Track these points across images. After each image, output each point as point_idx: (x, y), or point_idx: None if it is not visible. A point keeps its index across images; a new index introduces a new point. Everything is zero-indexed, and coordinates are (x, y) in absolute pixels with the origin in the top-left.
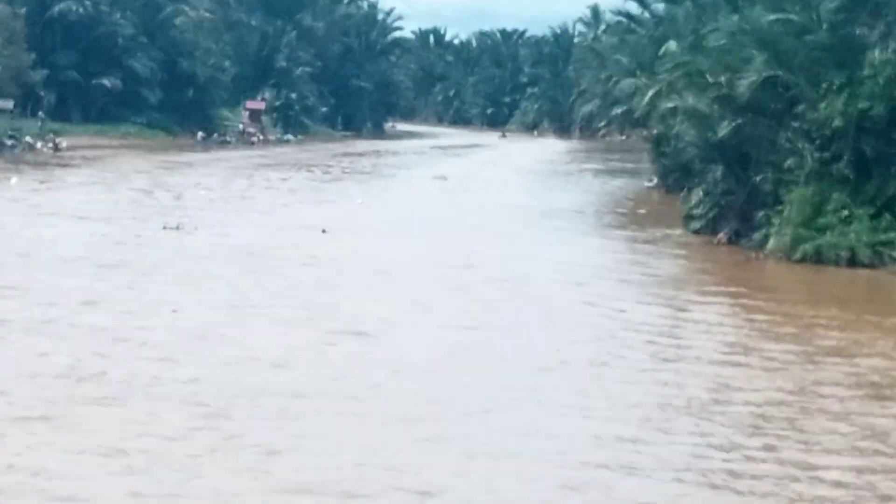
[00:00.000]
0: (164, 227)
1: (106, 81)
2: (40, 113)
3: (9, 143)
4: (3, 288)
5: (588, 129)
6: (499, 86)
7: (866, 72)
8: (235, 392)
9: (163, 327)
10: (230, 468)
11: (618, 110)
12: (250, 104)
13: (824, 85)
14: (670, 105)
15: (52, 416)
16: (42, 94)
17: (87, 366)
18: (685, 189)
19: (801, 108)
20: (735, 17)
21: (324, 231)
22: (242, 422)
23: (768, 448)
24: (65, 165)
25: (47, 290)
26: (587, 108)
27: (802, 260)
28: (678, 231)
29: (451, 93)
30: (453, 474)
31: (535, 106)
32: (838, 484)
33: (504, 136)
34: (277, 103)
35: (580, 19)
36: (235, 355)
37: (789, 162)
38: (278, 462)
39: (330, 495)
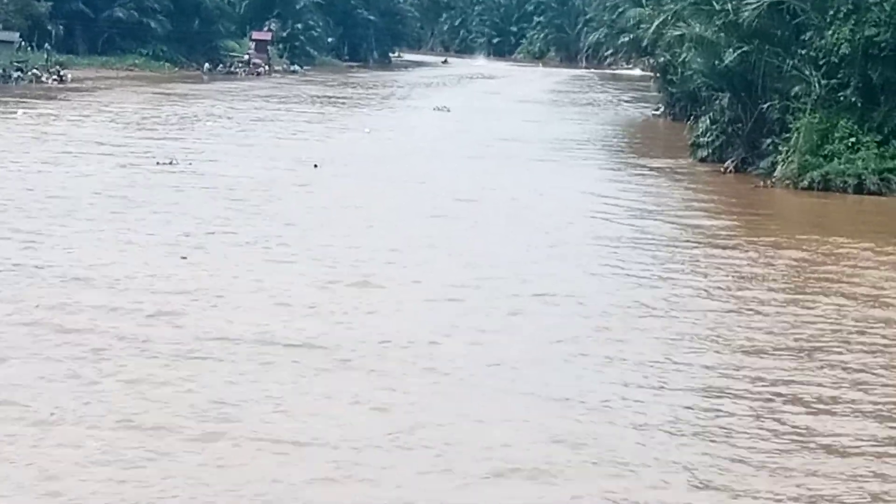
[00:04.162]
0: (158, 163)
1: (118, 13)
2: (46, 45)
3: (15, 75)
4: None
5: (595, 57)
6: (505, 15)
7: None
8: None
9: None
10: None
11: (625, 39)
12: (256, 35)
13: (831, 12)
14: (677, 33)
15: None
16: (49, 26)
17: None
18: (692, 117)
19: (807, 34)
20: None
21: (315, 166)
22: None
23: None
24: (69, 98)
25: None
26: (594, 37)
27: (810, 187)
28: (685, 159)
29: (457, 22)
30: None
31: (542, 35)
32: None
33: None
34: (283, 34)
35: None
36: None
37: (796, 89)
38: None
39: None
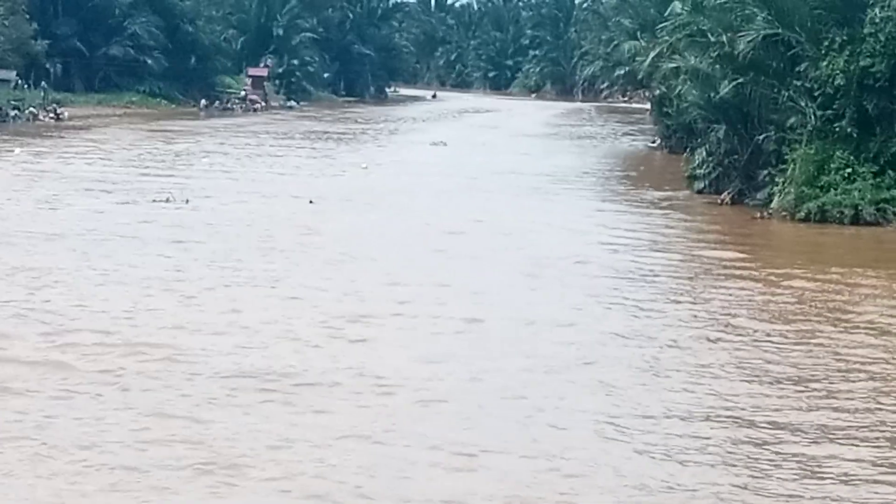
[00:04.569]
0: (154, 201)
1: (115, 51)
2: (43, 83)
3: (12, 113)
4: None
5: (590, 90)
6: (501, 49)
7: (867, 29)
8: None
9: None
10: None
11: (620, 72)
12: (253, 71)
13: (826, 43)
14: (672, 65)
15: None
16: (47, 65)
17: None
18: (688, 149)
19: (802, 66)
20: None
21: (311, 202)
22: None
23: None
24: (66, 136)
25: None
26: (589, 70)
27: (806, 218)
28: (682, 191)
29: (453, 56)
30: None
31: (538, 69)
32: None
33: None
34: (280, 70)
35: None
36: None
37: (792, 120)
38: None
39: None
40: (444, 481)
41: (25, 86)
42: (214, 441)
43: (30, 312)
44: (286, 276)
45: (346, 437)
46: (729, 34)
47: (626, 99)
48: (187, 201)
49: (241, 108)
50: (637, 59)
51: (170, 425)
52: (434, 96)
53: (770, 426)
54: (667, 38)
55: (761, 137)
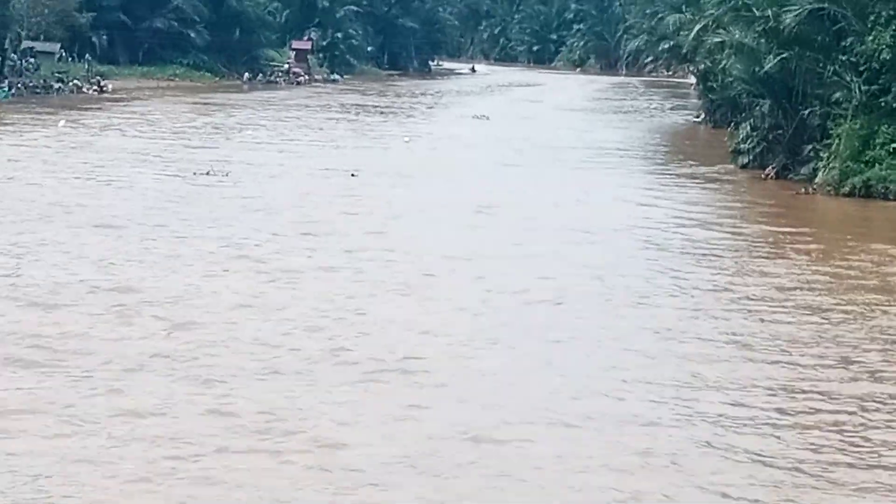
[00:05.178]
0: (195, 174)
1: (159, 23)
2: (87, 55)
3: (56, 85)
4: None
5: (635, 65)
6: (545, 23)
7: None
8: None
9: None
10: None
11: (664, 46)
12: (296, 44)
13: (872, 17)
14: (717, 40)
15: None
16: (92, 37)
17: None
18: (732, 124)
19: (848, 40)
20: None
21: (353, 175)
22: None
23: None
24: (109, 108)
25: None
26: (634, 44)
27: (851, 194)
28: (726, 166)
29: (497, 30)
30: None
31: (582, 42)
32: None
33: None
34: (323, 43)
35: None
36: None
37: (837, 95)
38: None
39: None
40: (499, 448)
41: (70, 58)
42: (271, 410)
43: (63, 288)
44: (328, 247)
45: (403, 408)
46: (774, 8)
47: (670, 73)
48: (227, 174)
49: (285, 81)
50: (682, 32)
51: (225, 395)
52: (473, 70)
53: (819, 397)
54: (712, 11)
55: (806, 112)
